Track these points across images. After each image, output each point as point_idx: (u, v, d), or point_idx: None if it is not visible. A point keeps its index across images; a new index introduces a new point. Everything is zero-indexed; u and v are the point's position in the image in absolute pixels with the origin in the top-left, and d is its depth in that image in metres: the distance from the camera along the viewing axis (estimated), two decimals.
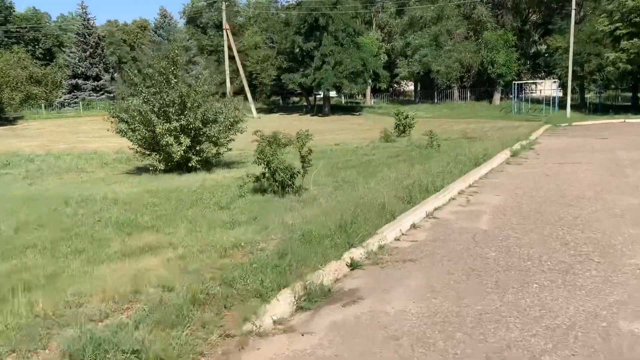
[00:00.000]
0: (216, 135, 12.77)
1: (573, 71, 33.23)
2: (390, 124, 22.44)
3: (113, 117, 12.66)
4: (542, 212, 7.23)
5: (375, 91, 56.32)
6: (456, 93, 49.12)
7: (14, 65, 48.15)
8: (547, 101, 35.83)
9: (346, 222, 6.07)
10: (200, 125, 12.16)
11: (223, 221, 6.55)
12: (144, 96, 12.34)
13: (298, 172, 8.72)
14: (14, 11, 61.31)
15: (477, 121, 31.04)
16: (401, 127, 22.08)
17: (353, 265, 4.96)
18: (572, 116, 31.46)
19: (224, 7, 41.85)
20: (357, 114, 44.71)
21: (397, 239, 6.03)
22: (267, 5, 53.29)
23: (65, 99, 49.42)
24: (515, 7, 46.38)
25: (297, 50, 41.88)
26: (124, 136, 12.77)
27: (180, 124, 12.19)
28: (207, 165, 13.38)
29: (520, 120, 29.34)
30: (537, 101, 41.19)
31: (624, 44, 30.87)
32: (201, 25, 67.25)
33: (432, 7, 45.34)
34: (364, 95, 56.39)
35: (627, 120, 28.22)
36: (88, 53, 48.97)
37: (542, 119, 28.61)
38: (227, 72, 42.53)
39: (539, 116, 31.92)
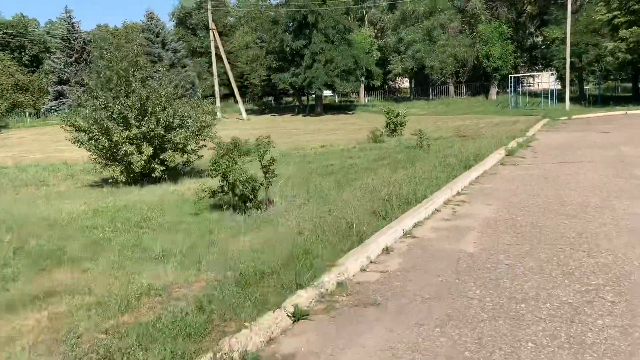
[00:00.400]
0: (182, 142, 11.66)
1: (571, 62, 32.11)
2: (382, 123, 21.34)
3: (69, 125, 11.56)
4: (540, 226, 6.12)
5: (370, 89, 55.23)
6: (452, 88, 48.00)
7: None
8: (545, 94, 34.72)
9: (301, 250, 4.98)
10: (162, 132, 11.05)
11: (155, 252, 5.44)
12: (101, 101, 11.24)
13: (261, 184, 7.63)
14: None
15: (473, 117, 29.94)
16: (392, 126, 20.97)
17: (297, 316, 3.85)
18: (571, 109, 30.34)
19: (209, 6, 40.70)
20: (351, 112, 43.59)
21: (363, 270, 4.93)
22: (256, 4, 52.07)
23: (51, 106, 48.29)
24: None
25: (286, 49, 40.76)
26: (81, 146, 11.68)
27: (141, 131, 11.09)
28: (175, 174, 12.29)
29: (518, 115, 28.22)
30: (535, 94, 40.09)
31: (622, 32, 29.75)
32: (191, 27, 66.07)
33: (424, 1, 44.20)
34: (358, 94, 55.25)
35: (628, 112, 27.09)
36: (73, 58, 47.80)
37: (540, 113, 27.48)
38: (215, 73, 41.42)
39: (537, 110, 30.81)
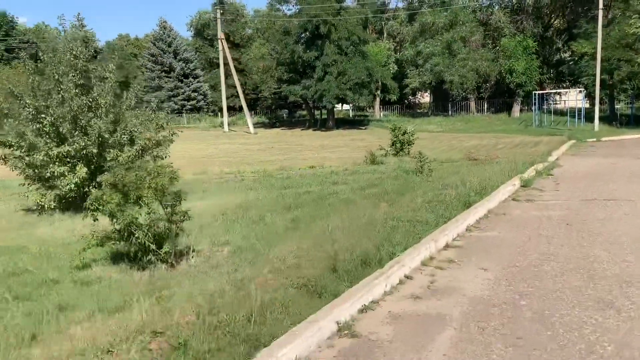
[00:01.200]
0: (128, 162, 9.70)
1: (601, 79, 29.43)
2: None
3: None
4: (555, 324, 3.88)
5: (386, 103, 53.02)
6: (473, 104, 45.48)
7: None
8: (572, 113, 32.02)
9: None
10: (95, 151, 9.12)
11: None
12: (29, 111, 9.41)
13: (169, 229, 5.58)
14: (17, 25, 60.09)
15: (493, 136, 27.54)
16: (398, 145, 18.80)
17: None
18: (600, 130, 27.65)
19: (218, 15, 39.29)
20: (363, 128, 41.47)
21: None
22: (269, 14, 50.58)
23: None
24: (536, 12, 42.66)
25: (297, 60, 39.00)
26: (4, 164, 9.86)
27: (74, 148, 9.20)
28: None
29: (541, 135, 25.68)
30: (561, 113, 37.40)
31: None
32: (209, 38, 65.22)
33: (444, 13, 42.05)
34: (374, 108, 53.13)
35: None
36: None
37: (566, 134, 24.91)
38: (223, 84, 39.86)
39: (563, 130, 28.19)
